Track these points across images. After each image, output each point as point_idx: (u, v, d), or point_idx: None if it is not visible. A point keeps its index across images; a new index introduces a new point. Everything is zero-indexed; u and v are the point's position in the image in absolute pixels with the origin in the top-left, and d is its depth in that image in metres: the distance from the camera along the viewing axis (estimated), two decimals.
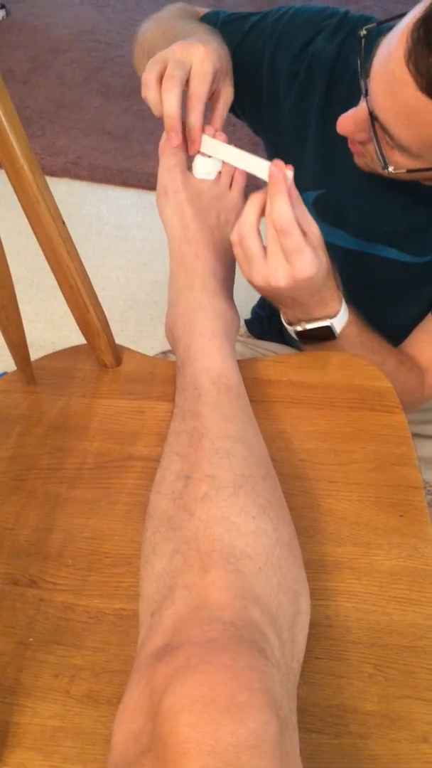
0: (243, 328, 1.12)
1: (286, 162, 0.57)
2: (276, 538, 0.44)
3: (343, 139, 0.74)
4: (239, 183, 0.70)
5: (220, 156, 0.67)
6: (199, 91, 0.63)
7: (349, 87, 0.75)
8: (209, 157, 0.67)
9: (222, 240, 0.68)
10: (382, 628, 0.50)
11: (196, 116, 0.64)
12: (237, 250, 0.63)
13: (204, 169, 0.68)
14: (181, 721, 0.31)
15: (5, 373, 0.72)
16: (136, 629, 0.49)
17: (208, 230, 0.67)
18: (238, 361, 0.62)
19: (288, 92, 0.80)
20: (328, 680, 0.48)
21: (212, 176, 0.68)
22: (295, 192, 0.59)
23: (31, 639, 0.50)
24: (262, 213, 0.60)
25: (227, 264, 0.68)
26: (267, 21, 0.81)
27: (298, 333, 0.70)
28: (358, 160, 0.70)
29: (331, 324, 0.67)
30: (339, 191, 0.72)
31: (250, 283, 0.64)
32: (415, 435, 0.68)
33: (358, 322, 0.71)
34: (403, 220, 0.76)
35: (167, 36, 0.75)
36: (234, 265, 0.70)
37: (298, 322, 0.69)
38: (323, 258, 0.62)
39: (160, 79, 0.62)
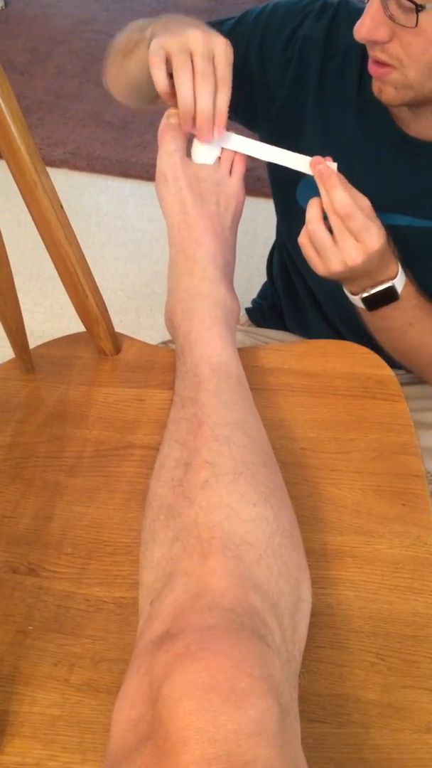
0: (244, 317, 1.11)
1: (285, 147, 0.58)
2: (277, 526, 0.44)
3: (343, 115, 0.74)
4: (239, 170, 0.69)
5: (247, 151, 0.68)
6: (227, 76, 0.64)
7: (341, 64, 0.76)
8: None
9: (222, 227, 0.67)
10: (384, 617, 0.50)
11: (225, 100, 0.65)
12: (307, 249, 0.69)
13: (203, 154, 0.67)
14: (181, 709, 0.30)
15: None
16: (135, 617, 0.48)
17: (208, 217, 0.66)
18: (239, 349, 0.62)
19: (282, 80, 0.80)
20: (330, 669, 0.47)
21: (211, 161, 0.67)
22: (344, 178, 0.65)
23: (30, 627, 0.49)
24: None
25: (227, 251, 0.67)
26: (246, 20, 0.82)
27: (364, 299, 0.73)
28: (385, 92, 0.68)
29: (394, 284, 0.71)
30: (344, 166, 0.72)
31: (327, 273, 0.68)
32: (418, 423, 0.67)
33: (413, 283, 0.74)
34: (412, 185, 0.76)
35: (143, 30, 0.75)
36: (234, 252, 0.69)
37: (363, 290, 0.73)
38: (381, 226, 0.67)
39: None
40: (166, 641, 0.35)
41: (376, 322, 0.75)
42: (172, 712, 0.31)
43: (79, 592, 0.51)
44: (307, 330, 1.00)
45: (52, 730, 0.44)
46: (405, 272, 0.73)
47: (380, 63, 0.65)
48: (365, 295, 0.72)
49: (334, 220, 0.65)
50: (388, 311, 0.73)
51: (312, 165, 0.65)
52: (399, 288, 0.72)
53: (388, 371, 0.67)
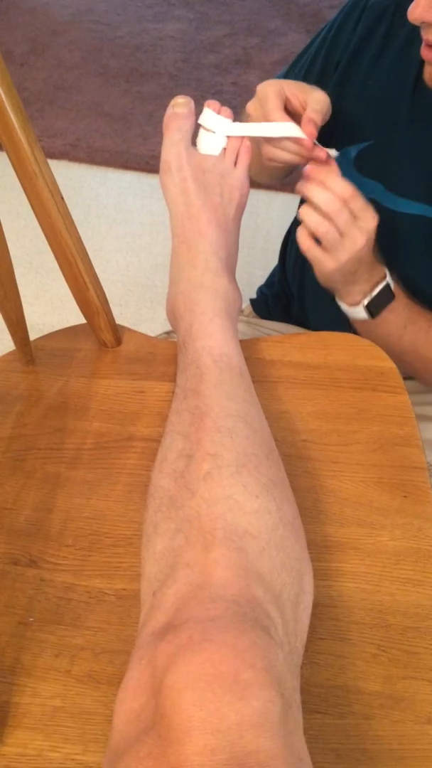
0: (248, 308, 1.11)
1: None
2: (279, 517, 0.44)
3: (397, 91, 0.74)
4: (244, 161, 0.69)
5: (254, 134, 0.68)
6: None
7: (407, 38, 0.74)
8: (213, 132, 0.66)
9: (225, 218, 0.67)
10: (385, 609, 0.50)
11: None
12: (313, 251, 0.70)
13: (208, 144, 0.66)
14: (184, 699, 0.30)
15: None
16: (137, 609, 0.48)
17: (212, 208, 0.66)
18: (241, 341, 0.61)
19: (344, 51, 0.79)
20: (332, 660, 0.47)
21: (216, 152, 0.67)
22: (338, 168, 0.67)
23: (31, 619, 0.49)
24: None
25: (230, 242, 0.67)
26: (311, 46, 0.84)
27: (367, 306, 0.74)
28: None
29: (388, 281, 0.73)
30: (387, 143, 0.71)
31: (336, 265, 0.69)
32: (418, 416, 0.67)
33: (398, 281, 0.75)
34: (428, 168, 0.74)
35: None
36: (237, 244, 0.69)
37: (364, 296, 0.74)
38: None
39: None
40: (168, 632, 0.35)
41: (375, 331, 0.75)
42: (175, 703, 0.31)
43: (80, 583, 0.51)
44: (315, 317, 1.00)
45: (54, 721, 0.45)
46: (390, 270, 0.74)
47: None
48: (367, 301, 0.73)
49: (335, 213, 0.66)
50: (385, 315, 0.74)
51: (312, 152, 0.66)
52: (392, 284, 0.73)
53: (389, 363, 0.67)
